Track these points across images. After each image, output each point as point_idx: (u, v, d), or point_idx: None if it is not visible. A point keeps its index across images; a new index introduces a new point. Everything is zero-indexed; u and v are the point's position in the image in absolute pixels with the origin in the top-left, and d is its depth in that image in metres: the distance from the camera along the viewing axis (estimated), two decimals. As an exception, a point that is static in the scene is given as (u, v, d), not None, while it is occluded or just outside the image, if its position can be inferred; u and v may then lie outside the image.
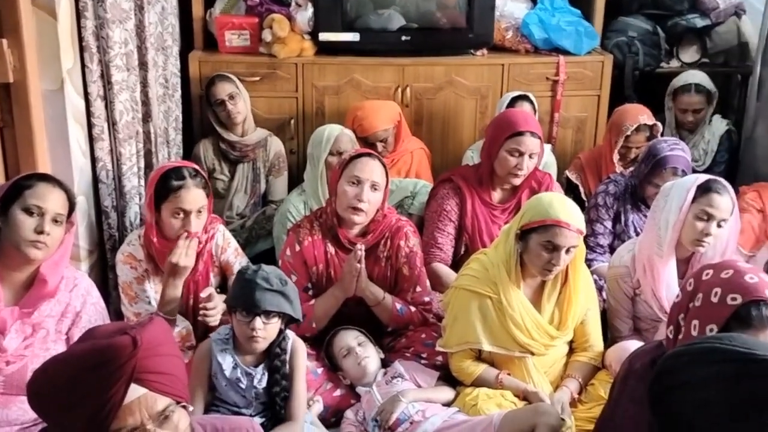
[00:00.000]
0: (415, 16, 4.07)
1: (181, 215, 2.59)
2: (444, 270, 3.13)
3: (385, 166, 2.77)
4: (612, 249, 3.34)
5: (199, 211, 2.63)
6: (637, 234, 3.26)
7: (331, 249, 2.79)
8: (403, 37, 4.03)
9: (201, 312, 2.56)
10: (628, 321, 2.82)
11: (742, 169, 4.18)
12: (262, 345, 2.33)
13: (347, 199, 2.70)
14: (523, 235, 2.51)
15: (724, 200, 2.59)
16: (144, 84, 2.93)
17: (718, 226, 2.60)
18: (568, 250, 2.46)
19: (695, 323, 1.84)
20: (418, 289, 2.84)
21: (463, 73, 4.06)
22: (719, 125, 4.12)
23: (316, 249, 2.78)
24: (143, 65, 2.92)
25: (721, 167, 4.09)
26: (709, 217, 2.59)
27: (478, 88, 4.08)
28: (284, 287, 2.30)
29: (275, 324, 2.32)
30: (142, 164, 2.96)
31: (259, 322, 2.27)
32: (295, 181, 3.79)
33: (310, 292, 2.79)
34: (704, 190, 2.60)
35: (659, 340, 2.09)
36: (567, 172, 3.90)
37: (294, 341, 2.42)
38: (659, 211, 2.70)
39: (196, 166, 2.73)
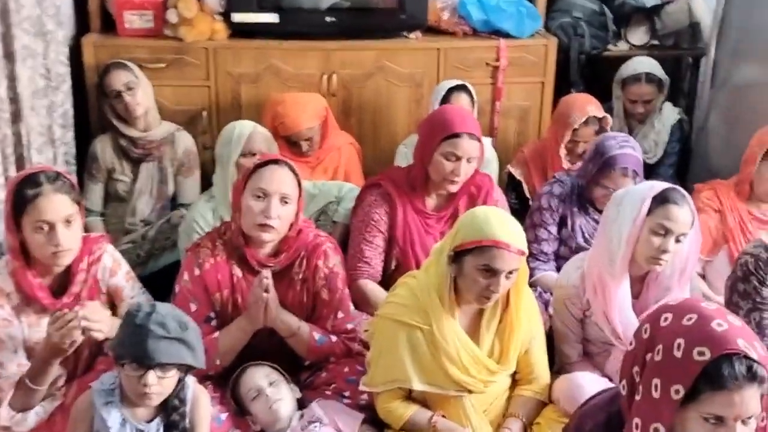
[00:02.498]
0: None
1: (46, 228, 2.21)
2: (372, 287, 2.80)
3: (296, 174, 2.41)
4: (557, 256, 3.06)
5: (68, 221, 2.25)
6: (585, 239, 3.00)
7: (237, 272, 2.43)
8: (328, 18, 3.68)
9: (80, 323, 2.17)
10: (577, 346, 2.52)
11: (694, 161, 3.94)
12: (156, 401, 1.99)
13: (253, 215, 2.34)
14: (457, 256, 2.17)
15: (683, 212, 2.29)
16: (12, 78, 2.49)
17: (677, 241, 2.31)
18: (508, 275, 2.15)
19: (656, 383, 1.54)
20: (340, 314, 2.50)
21: (395, 58, 3.73)
22: (670, 114, 3.88)
23: (220, 272, 2.41)
24: (10, 56, 2.48)
25: (673, 159, 3.88)
26: (667, 232, 2.29)
27: (412, 75, 3.75)
28: (184, 333, 1.95)
29: (173, 377, 1.98)
30: (13, 172, 2.53)
31: (152, 376, 1.92)
32: (210, 180, 3.42)
33: (214, 323, 2.43)
34: (661, 200, 2.30)
35: (613, 392, 1.78)
36: (509, 167, 3.59)
37: (195, 390, 2.08)
38: (610, 223, 2.39)
39: (59, 170, 2.35)
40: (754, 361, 1.48)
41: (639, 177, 2.87)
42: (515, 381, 2.41)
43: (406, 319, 2.23)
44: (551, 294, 2.86)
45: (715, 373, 1.47)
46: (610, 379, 2.42)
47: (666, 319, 1.57)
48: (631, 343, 1.65)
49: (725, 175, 3.30)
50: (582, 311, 2.46)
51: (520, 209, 3.38)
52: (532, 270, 2.99)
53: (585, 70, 4.10)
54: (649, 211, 2.30)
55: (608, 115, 3.38)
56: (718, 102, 3.76)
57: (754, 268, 2.43)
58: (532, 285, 2.92)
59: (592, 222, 2.99)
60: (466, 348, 2.23)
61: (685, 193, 2.34)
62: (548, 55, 3.84)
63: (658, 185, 2.35)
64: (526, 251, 2.19)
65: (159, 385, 1.94)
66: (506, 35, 3.81)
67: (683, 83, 4.37)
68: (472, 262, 2.14)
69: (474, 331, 2.28)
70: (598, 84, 4.00)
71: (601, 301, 2.39)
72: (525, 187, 3.52)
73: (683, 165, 3.93)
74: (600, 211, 2.95)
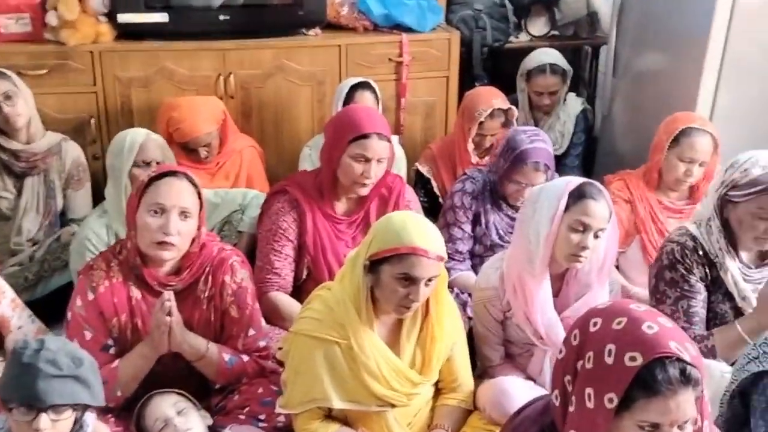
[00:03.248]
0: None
1: None
2: (283, 299, 2.66)
3: (197, 186, 2.24)
4: (472, 254, 2.99)
5: None
6: (499, 236, 2.95)
7: (135, 294, 2.24)
8: (222, 17, 3.51)
9: None
10: (499, 348, 2.45)
11: (599, 149, 3.96)
12: None
13: (150, 232, 2.16)
14: (373, 265, 2.06)
15: (600, 207, 2.24)
16: None
17: (595, 236, 2.25)
18: (428, 282, 2.05)
19: (589, 392, 1.47)
20: (252, 332, 2.35)
21: (294, 56, 3.58)
22: (574, 104, 3.88)
23: (116, 296, 2.22)
24: None
25: (579, 149, 3.88)
26: (585, 228, 2.23)
27: (313, 73, 3.62)
28: (78, 369, 1.78)
29: (68, 418, 1.80)
30: None
31: (45, 420, 1.74)
32: (102, 193, 3.19)
33: (112, 351, 2.24)
34: (578, 196, 2.24)
35: (545, 402, 1.70)
36: (417, 165, 3.50)
37: (95, 428, 1.92)
38: (527, 221, 2.32)
39: None
40: (687, 363, 1.43)
41: (551, 171, 2.84)
42: (438, 390, 2.32)
43: (322, 335, 2.10)
44: (468, 295, 2.79)
45: (649, 379, 1.41)
46: (534, 381, 2.37)
47: (595, 324, 1.51)
48: (561, 351, 1.58)
49: (631, 162, 3.31)
50: (502, 313, 2.39)
51: (430, 207, 3.31)
52: (448, 270, 2.91)
53: (487, 63, 4.07)
54: (566, 208, 2.24)
55: (514, 107, 3.34)
56: (620, 91, 3.78)
57: (681, 256, 2.41)
58: (449, 286, 2.84)
59: (506, 218, 2.95)
60: (387, 361, 2.12)
61: (602, 187, 2.29)
62: (451, 48, 3.77)
63: (573, 181, 2.29)
64: (446, 257, 2.10)
65: (53, 428, 1.76)
66: (408, 30, 3.72)
67: (583, 73, 4.41)
68: (390, 271, 2.03)
69: (394, 343, 2.16)
70: (501, 76, 3.98)
71: (521, 302, 2.33)
72: (434, 184, 3.44)
73: (589, 154, 3.95)
74: (513, 207, 2.92)
